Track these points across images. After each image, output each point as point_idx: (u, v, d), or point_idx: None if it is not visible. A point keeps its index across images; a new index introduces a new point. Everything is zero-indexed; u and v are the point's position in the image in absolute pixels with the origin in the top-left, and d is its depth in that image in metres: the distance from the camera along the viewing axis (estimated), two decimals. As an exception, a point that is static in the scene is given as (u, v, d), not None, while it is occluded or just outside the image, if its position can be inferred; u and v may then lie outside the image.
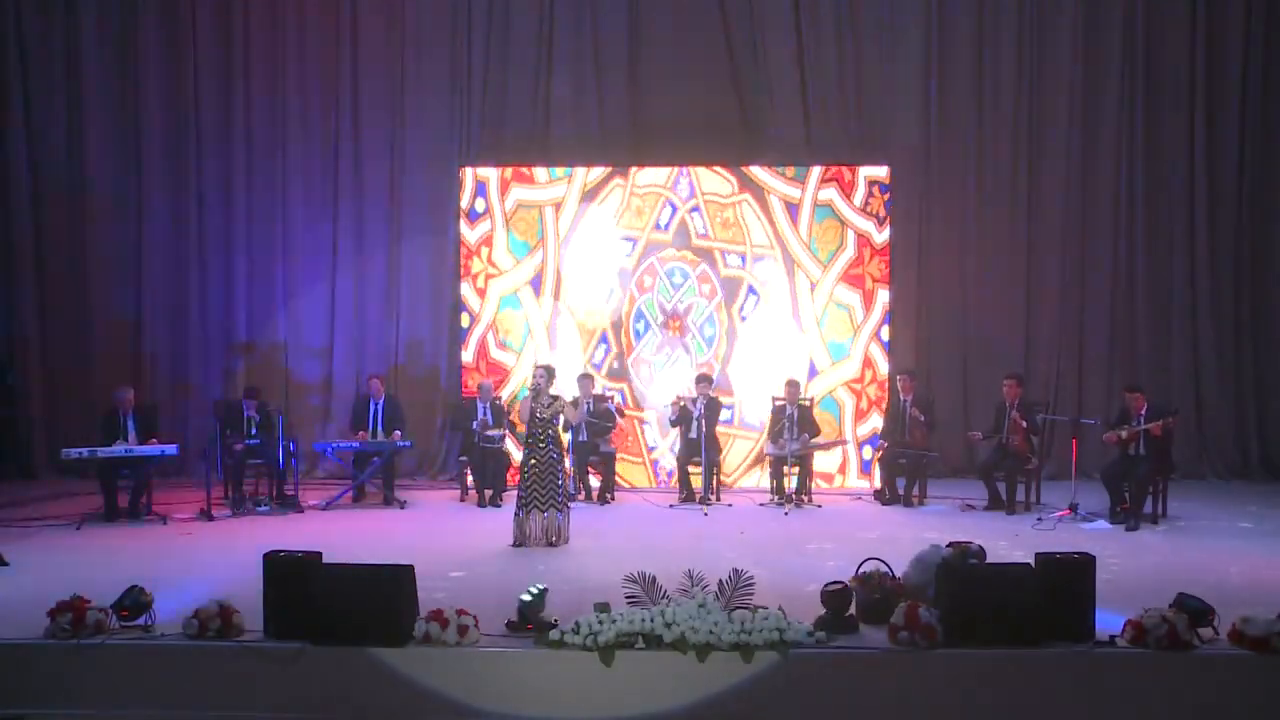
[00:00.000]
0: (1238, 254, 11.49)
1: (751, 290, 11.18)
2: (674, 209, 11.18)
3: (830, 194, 11.12)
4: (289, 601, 5.70)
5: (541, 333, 11.26)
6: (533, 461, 8.24)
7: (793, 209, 11.14)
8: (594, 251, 11.24)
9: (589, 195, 11.21)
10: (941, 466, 11.24)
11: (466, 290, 11.34)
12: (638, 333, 11.26)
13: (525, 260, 11.28)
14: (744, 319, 11.17)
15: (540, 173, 11.28)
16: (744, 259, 11.18)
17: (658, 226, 11.20)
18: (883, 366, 11.09)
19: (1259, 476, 11.36)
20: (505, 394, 11.15)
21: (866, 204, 11.11)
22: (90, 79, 11.56)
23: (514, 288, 11.30)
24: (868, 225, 11.12)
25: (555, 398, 8.37)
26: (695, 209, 11.17)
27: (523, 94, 11.53)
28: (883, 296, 11.13)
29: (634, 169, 11.22)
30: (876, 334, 11.16)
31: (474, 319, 11.33)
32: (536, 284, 11.27)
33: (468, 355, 11.33)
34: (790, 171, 11.12)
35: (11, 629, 5.85)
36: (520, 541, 8.19)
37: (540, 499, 8.19)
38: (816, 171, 11.12)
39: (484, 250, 11.31)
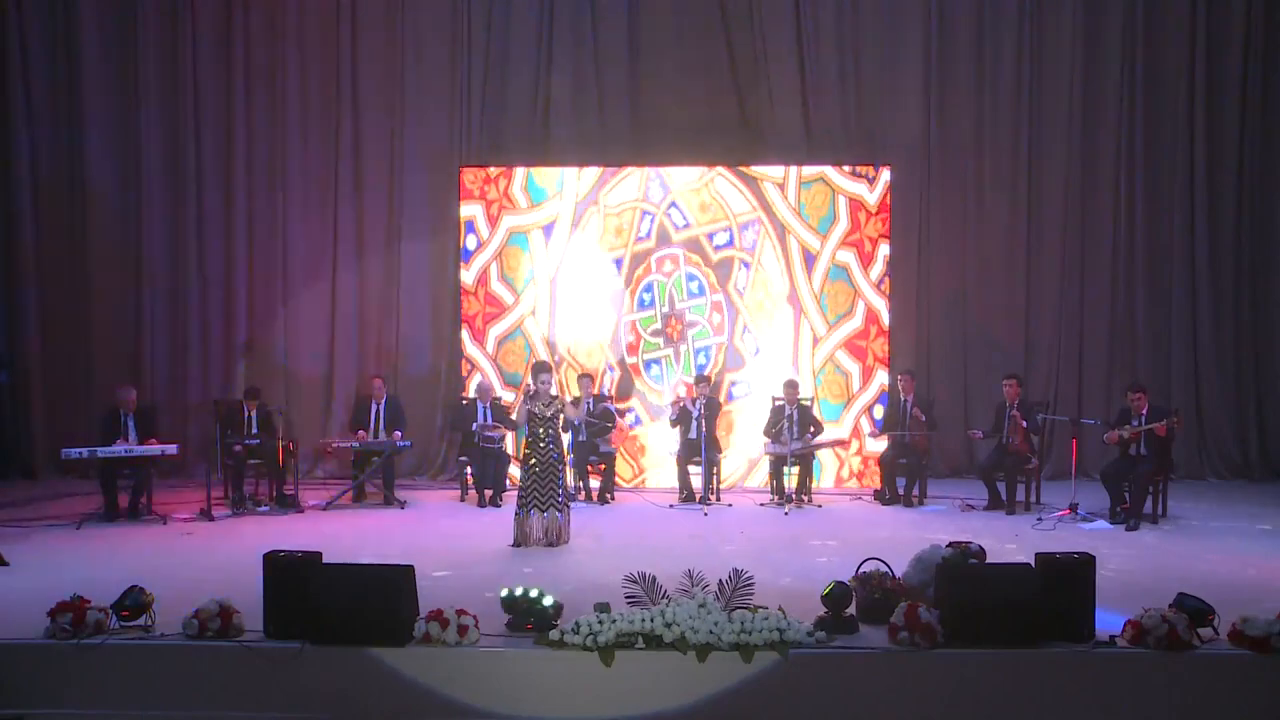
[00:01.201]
0: (1238, 254, 11.50)
1: (744, 265, 11.15)
2: (651, 217, 11.15)
3: (848, 258, 11.10)
4: (289, 601, 5.69)
5: (544, 282, 11.23)
6: (533, 461, 8.24)
7: (809, 258, 11.12)
8: (586, 279, 11.27)
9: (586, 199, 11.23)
10: (941, 466, 11.27)
11: (477, 211, 11.25)
12: (642, 301, 11.24)
13: (541, 206, 11.23)
14: (741, 293, 11.14)
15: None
16: (730, 234, 11.14)
17: (640, 238, 11.17)
18: (870, 444, 11.02)
19: (1259, 476, 11.37)
20: (499, 330, 11.19)
21: (881, 282, 11.09)
22: (90, 80, 11.55)
23: (525, 228, 11.25)
24: (879, 303, 11.10)
25: (555, 397, 8.38)
26: (672, 204, 11.14)
27: (523, 94, 11.54)
28: (881, 376, 11.05)
29: (618, 172, 11.19)
30: (869, 410, 11.10)
31: (480, 244, 11.26)
32: (549, 231, 11.22)
33: (468, 277, 11.27)
34: (815, 220, 11.07)
35: (11, 629, 5.84)
36: (520, 541, 8.19)
37: (540, 499, 8.19)
38: (840, 229, 11.07)
39: (501, 182, 11.28)
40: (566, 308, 11.27)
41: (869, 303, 11.12)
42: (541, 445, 8.24)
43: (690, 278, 11.19)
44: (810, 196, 11.11)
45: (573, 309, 11.28)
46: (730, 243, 11.16)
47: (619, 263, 11.21)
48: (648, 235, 11.18)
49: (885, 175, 11.09)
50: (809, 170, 11.14)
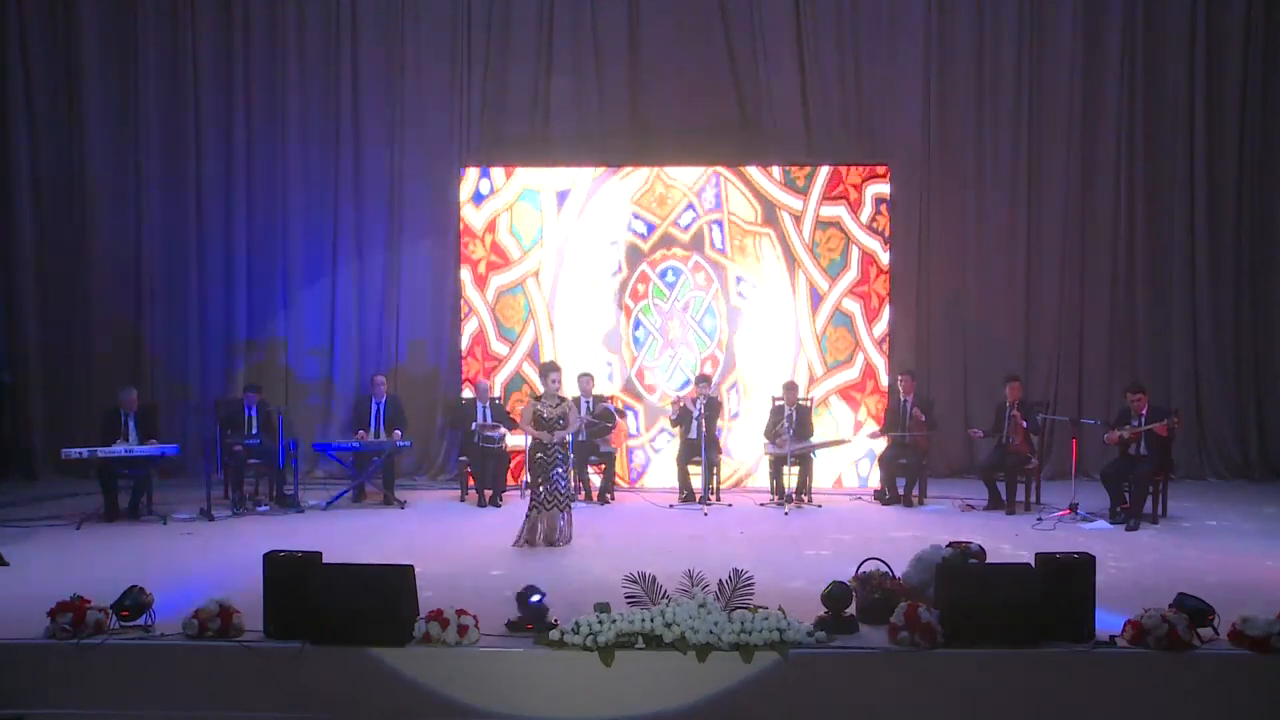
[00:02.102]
0: (1238, 254, 11.50)
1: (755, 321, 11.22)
2: (695, 214, 11.14)
3: (854, 308, 11.11)
4: (289, 601, 5.69)
5: (553, 240, 11.19)
6: (539, 455, 8.15)
7: (816, 298, 11.13)
8: (605, 228, 11.26)
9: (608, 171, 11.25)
10: (941, 466, 11.28)
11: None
12: (638, 340, 11.23)
13: (557, 170, 11.29)
14: (742, 356, 11.13)
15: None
16: (756, 288, 11.17)
17: (677, 223, 11.17)
18: (850, 479, 11.06)
19: (1259, 476, 11.37)
20: (501, 280, 11.18)
21: (882, 342, 11.09)
22: (91, 79, 11.55)
23: (539, 186, 11.24)
24: (878, 360, 11.10)
25: (562, 399, 8.33)
26: (718, 223, 11.14)
27: (523, 94, 11.54)
28: (870, 426, 10.98)
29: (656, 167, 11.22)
30: (856, 462, 11.10)
31: (494, 189, 11.24)
32: (563, 198, 11.20)
33: (477, 220, 11.20)
34: (826, 261, 11.08)
35: (11, 629, 5.84)
36: (531, 540, 8.13)
37: (550, 499, 8.16)
38: (848, 279, 11.08)
39: None
40: (569, 283, 11.24)
41: (868, 357, 11.12)
42: (549, 446, 8.19)
43: (662, 273, 11.17)
44: (825, 238, 11.11)
45: (575, 287, 11.25)
46: (751, 299, 11.19)
47: (651, 228, 11.15)
48: (686, 228, 11.15)
49: (887, 255, 11.13)
50: (827, 210, 11.09)
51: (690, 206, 11.14)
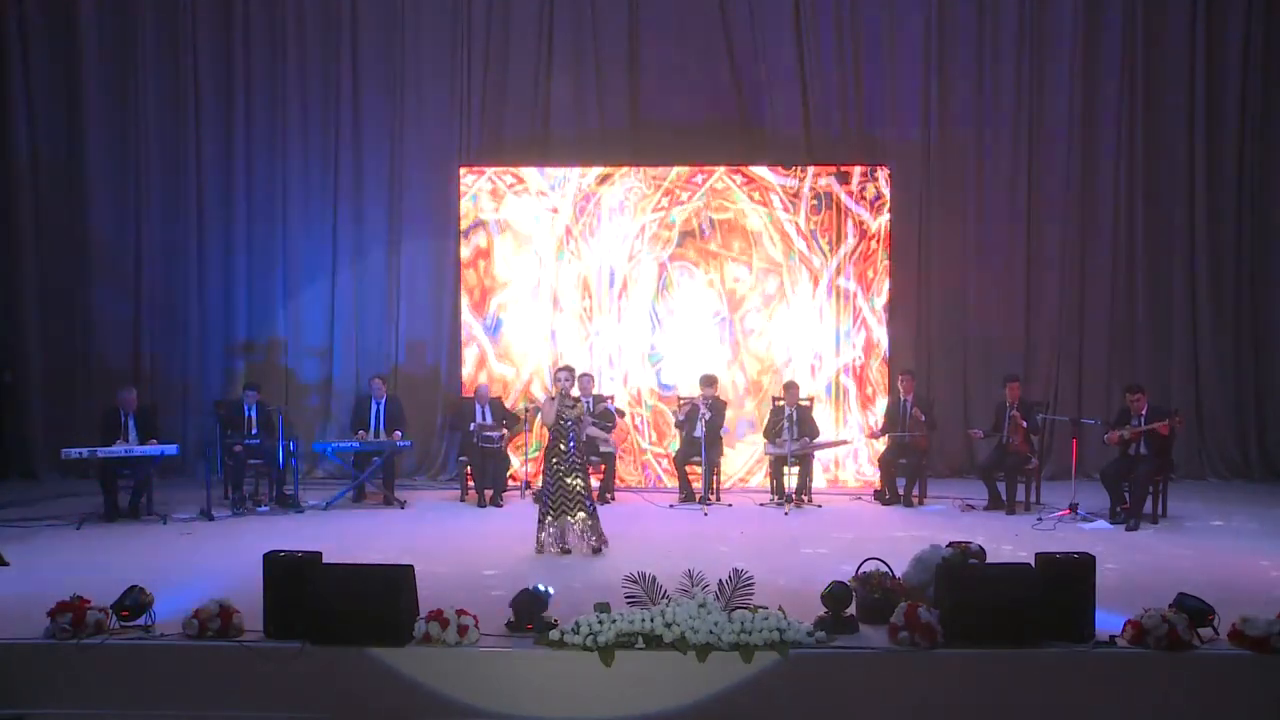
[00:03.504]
0: (1238, 254, 11.50)
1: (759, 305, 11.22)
2: (745, 283, 11.21)
3: (849, 385, 11.15)
4: (289, 601, 5.70)
5: (574, 189, 11.24)
6: (554, 460, 7.98)
7: (818, 365, 11.19)
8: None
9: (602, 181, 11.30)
10: (941, 466, 11.27)
11: None
12: (667, 386, 11.27)
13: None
14: (747, 330, 11.18)
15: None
16: (749, 270, 11.18)
17: (730, 265, 11.21)
18: (832, 467, 11.14)
19: (1259, 476, 11.37)
20: (518, 205, 11.21)
21: (872, 451, 11.05)
22: (91, 79, 11.54)
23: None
24: (863, 448, 11.10)
25: (577, 400, 8.26)
26: (757, 311, 11.24)
27: (523, 94, 11.54)
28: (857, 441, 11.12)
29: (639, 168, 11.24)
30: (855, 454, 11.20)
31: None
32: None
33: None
34: (832, 331, 11.14)
35: (11, 629, 5.84)
36: (564, 548, 7.96)
37: (568, 504, 8.02)
38: (849, 355, 11.13)
39: None
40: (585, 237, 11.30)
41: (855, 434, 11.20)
42: (562, 448, 8.10)
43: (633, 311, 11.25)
44: (836, 308, 11.17)
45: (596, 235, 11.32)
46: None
47: (705, 232, 11.14)
48: (736, 279, 11.17)
49: (886, 341, 11.19)
50: (843, 284, 11.11)
51: (749, 268, 11.18)
